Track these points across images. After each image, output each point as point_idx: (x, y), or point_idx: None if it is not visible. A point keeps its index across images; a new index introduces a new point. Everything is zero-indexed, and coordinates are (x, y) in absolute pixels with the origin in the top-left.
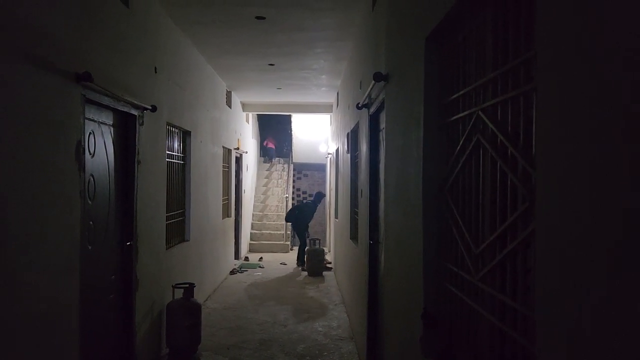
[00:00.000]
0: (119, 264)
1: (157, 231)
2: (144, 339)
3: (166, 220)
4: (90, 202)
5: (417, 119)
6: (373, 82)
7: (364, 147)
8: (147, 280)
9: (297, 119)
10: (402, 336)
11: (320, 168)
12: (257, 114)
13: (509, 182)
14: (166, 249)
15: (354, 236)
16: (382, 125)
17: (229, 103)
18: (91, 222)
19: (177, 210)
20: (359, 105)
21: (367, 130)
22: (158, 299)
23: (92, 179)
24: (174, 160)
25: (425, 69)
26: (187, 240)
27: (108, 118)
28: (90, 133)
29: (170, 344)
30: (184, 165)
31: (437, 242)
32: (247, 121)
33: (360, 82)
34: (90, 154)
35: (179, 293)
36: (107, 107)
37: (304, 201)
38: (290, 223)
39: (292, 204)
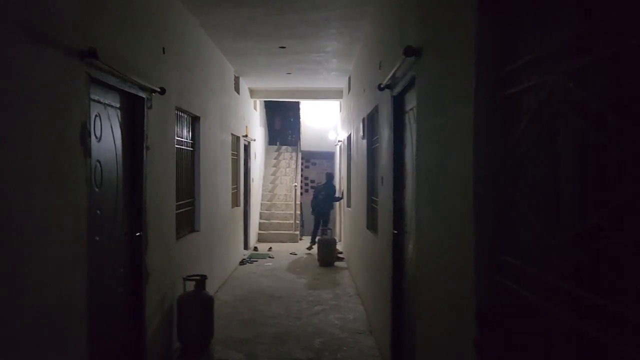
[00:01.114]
0: (128, 256)
1: (167, 221)
2: (155, 333)
3: (176, 210)
4: (97, 189)
5: (464, 94)
6: (403, 57)
7: (385, 132)
8: (158, 273)
9: (306, 107)
10: (442, 335)
11: (329, 156)
12: (265, 102)
13: (604, 162)
14: (176, 240)
15: (371, 226)
16: (410, 106)
17: (237, 89)
18: (98, 211)
19: (187, 199)
20: (381, 86)
21: (390, 112)
22: (169, 292)
23: (98, 165)
24: (183, 147)
25: (478, 34)
26: (197, 231)
27: (115, 100)
28: (96, 116)
29: (182, 338)
30: (193, 152)
31: (492, 232)
32: (255, 108)
33: (380, 63)
34: (96, 138)
35: (190, 285)
36: (113, 88)
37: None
38: (315, 211)
39: (301, 193)
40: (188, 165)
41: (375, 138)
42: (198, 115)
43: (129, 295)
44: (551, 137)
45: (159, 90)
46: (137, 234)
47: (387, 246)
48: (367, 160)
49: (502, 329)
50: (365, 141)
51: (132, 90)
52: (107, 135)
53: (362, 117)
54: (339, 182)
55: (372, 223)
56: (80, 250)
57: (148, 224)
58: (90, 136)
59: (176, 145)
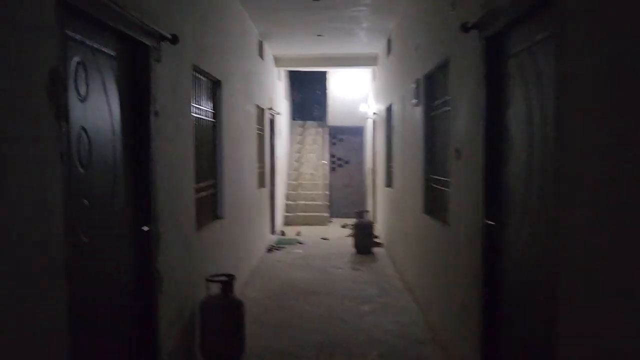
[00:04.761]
0: (133, 258)
1: (184, 209)
2: (172, 353)
3: (195, 194)
4: (81, 170)
5: None
6: None
7: (465, 91)
8: (174, 275)
9: (333, 78)
10: None
11: (357, 132)
12: (289, 73)
13: None
14: (196, 230)
15: (430, 211)
16: (520, 46)
17: (261, 55)
18: (85, 201)
19: (208, 180)
20: (467, 26)
21: (480, 62)
22: (189, 297)
23: (83, 134)
24: (202, 117)
25: None
26: (221, 218)
27: (107, 44)
28: (78, 63)
29: (206, 353)
30: (214, 123)
31: None
32: (279, 79)
33: (453, 1)
34: (79, 96)
35: (215, 287)
36: (104, 27)
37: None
38: None
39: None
40: (209, 140)
41: (436, 103)
42: (219, 79)
43: (137, 310)
44: None
45: (169, 37)
46: (145, 228)
47: (468, 241)
48: (423, 131)
49: None
50: (420, 108)
51: (133, 33)
52: (97, 93)
53: (414, 79)
54: (371, 158)
55: (433, 208)
56: (52, 263)
57: (159, 215)
58: (66, 91)
59: (194, 114)
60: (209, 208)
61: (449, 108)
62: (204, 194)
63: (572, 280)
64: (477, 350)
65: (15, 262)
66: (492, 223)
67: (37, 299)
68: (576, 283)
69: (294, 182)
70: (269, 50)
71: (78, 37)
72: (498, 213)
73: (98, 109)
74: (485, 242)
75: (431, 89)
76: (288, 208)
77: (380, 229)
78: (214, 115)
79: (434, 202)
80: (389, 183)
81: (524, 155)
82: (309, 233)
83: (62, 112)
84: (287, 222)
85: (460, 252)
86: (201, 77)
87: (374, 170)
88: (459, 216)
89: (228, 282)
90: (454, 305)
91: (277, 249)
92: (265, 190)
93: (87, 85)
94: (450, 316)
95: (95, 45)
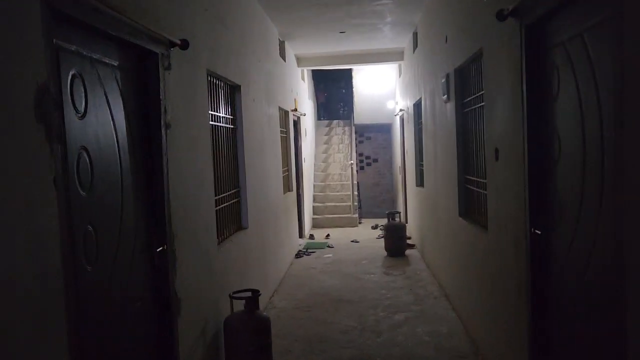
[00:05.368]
0: (147, 282)
1: (203, 223)
2: None
3: (215, 206)
4: (83, 193)
5: None
6: None
7: (502, 85)
8: (194, 295)
9: (358, 75)
10: None
11: (384, 129)
12: (313, 72)
13: None
14: (218, 245)
15: (466, 214)
16: (565, 34)
17: (282, 55)
18: (90, 227)
19: (230, 190)
20: (504, 14)
21: (519, 52)
22: (212, 316)
23: (84, 155)
24: (220, 124)
25: None
26: (245, 228)
27: (109, 54)
28: (74, 76)
29: None
30: (234, 130)
31: None
32: (303, 79)
33: None
34: (77, 113)
35: (239, 303)
36: (102, 34)
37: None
38: None
39: (357, 171)
40: (229, 148)
41: (469, 98)
42: (238, 83)
43: (153, 338)
44: None
45: (178, 43)
46: (159, 249)
47: (512, 249)
48: (455, 129)
49: None
50: (451, 104)
51: (137, 41)
52: (99, 109)
53: (444, 74)
54: (400, 156)
55: (469, 210)
56: (49, 298)
57: (175, 233)
58: (60, 108)
59: (211, 122)
60: (232, 219)
61: (483, 104)
62: (225, 204)
63: None
64: None
65: (7, 300)
66: (539, 232)
67: (33, 334)
68: None
69: (322, 184)
70: (291, 51)
71: (72, 47)
72: (545, 220)
73: (100, 125)
74: (532, 252)
75: (463, 84)
76: (316, 210)
77: (412, 229)
78: (234, 122)
79: (470, 205)
80: (420, 182)
81: (577, 156)
82: (338, 235)
83: (54, 133)
84: (316, 224)
85: (503, 260)
86: (218, 81)
87: (403, 169)
88: (500, 221)
89: (252, 297)
90: (498, 318)
91: (306, 254)
92: (292, 194)
93: (86, 100)
94: (494, 328)
95: (94, 56)
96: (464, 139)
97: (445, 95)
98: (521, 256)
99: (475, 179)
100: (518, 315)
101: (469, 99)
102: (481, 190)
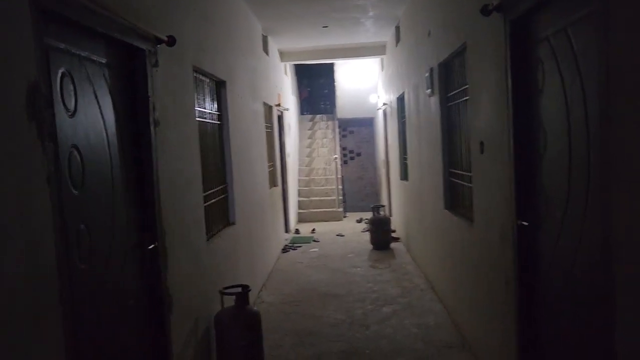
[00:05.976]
0: (139, 280)
1: (192, 219)
2: None
3: (204, 202)
4: (75, 192)
5: None
6: None
7: (487, 79)
8: (185, 292)
9: (340, 70)
10: None
11: (367, 123)
12: (295, 67)
13: None
14: (207, 241)
15: (452, 206)
16: (550, 29)
17: (266, 50)
18: (82, 226)
19: (217, 186)
20: (489, 9)
21: (504, 47)
22: (202, 312)
23: (75, 153)
24: (207, 120)
25: None
26: (233, 223)
27: (97, 52)
28: (63, 74)
29: None
30: (220, 126)
31: None
32: (286, 73)
33: None
34: (67, 111)
35: (230, 299)
36: (90, 32)
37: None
38: None
39: (340, 165)
40: (215, 144)
41: (453, 92)
42: (223, 79)
43: (146, 335)
44: None
45: (165, 39)
46: (151, 246)
47: (499, 241)
48: (440, 123)
49: None
50: (435, 98)
51: (124, 38)
52: (88, 106)
53: (428, 68)
54: (383, 149)
55: (454, 203)
56: (44, 297)
57: (166, 230)
58: (51, 107)
59: (197, 118)
60: (220, 215)
61: (467, 97)
62: (213, 200)
63: (632, 288)
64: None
65: (1, 299)
66: (525, 223)
67: (28, 332)
68: (637, 291)
69: (306, 178)
70: (274, 45)
71: (62, 45)
72: (532, 212)
73: (90, 123)
74: (518, 243)
75: (447, 78)
76: (301, 205)
77: (396, 223)
78: (220, 117)
79: (456, 198)
80: (404, 176)
81: (562, 149)
82: (324, 229)
83: (45, 131)
84: (301, 219)
85: (489, 252)
86: (204, 77)
87: (387, 163)
88: (486, 214)
89: (242, 293)
90: (485, 309)
91: (292, 249)
92: (277, 189)
93: (76, 98)
94: (481, 319)
95: (83, 54)
96: (448, 132)
97: (430, 89)
98: (507, 247)
99: (460, 172)
100: (506, 306)
101: (453, 92)
102: (466, 184)
